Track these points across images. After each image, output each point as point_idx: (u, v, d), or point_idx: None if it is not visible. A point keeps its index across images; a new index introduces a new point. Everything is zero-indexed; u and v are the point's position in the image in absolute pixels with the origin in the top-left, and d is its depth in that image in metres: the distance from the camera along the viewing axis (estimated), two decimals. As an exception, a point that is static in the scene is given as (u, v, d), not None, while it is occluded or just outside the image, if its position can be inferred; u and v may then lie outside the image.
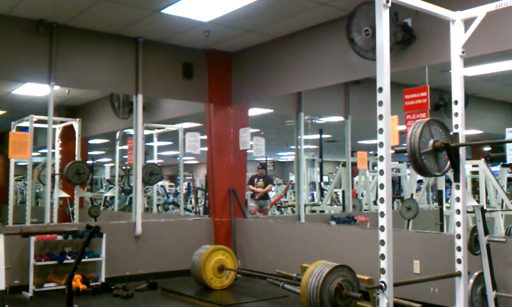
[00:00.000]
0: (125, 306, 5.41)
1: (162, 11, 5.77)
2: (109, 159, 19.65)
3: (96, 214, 9.05)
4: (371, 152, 12.34)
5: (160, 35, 6.74)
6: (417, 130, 3.22)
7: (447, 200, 7.97)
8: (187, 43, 7.07)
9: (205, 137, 7.73)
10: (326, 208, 9.74)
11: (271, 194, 16.12)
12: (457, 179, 3.53)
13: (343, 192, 9.39)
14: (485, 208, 5.17)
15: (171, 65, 7.13)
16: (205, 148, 7.80)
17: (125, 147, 8.77)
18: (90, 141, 12.43)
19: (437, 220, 6.87)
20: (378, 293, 2.95)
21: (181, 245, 6.87)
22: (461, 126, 3.54)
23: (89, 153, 12.97)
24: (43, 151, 11.11)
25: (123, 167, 12.17)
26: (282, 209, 12.57)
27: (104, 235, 6.11)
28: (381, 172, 2.97)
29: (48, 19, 6.07)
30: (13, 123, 8.45)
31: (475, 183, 8.89)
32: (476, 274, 3.85)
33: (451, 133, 3.50)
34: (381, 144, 2.97)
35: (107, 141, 14.10)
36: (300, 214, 7.80)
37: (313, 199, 12.81)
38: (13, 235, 4.53)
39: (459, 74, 3.57)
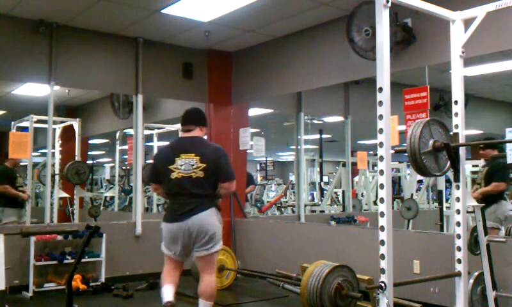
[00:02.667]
0: (125, 306, 5.41)
1: (162, 11, 5.77)
2: (109, 159, 19.64)
3: (96, 214, 9.06)
4: (371, 152, 12.34)
5: (160, 35, 6.74)
6: (417, 130, 3.22)
7: (447, 200, 7.97)
8: (187, 43, 7.07)
9: (205, 137, 7.71)
10: (326, 208, 9.74)
11: (271, 194, 16.14)
12: (457, 179, 3.52)
13: (343, 192, 9.39)
14: (485, 208, 5.15)
15: (171, 65, 7.13)
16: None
17: (125, 147, 8.78)
18: (90, 141, 12.43)
19: (437, 220, 6.86)
20: (378, 293, 2.94)
21: (181, 245, 6.86)
22: (461, 126, 3.53)
23: (89, 153, 12.97)
24: (43, 151, 11.12)
25: (123, 167, 12.18)
26: (282, 209, 12.57)
27: (104, 235, 6.10)
28: (381, 172, 2.97)
29: (48, 19, 6.07)
30: (13, 123, 8.45)
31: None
32: (476, 274, 3.85)
33: (451, 133, 3.50)
34: (381, 144, 2.97)
35: (107, 141, 14.10)
36: (300, 214, 7.80)
37: (313, 199, 12.82)
38: (13, 235, 4.53)
39: (459, 74, 3.57)
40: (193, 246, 3.92)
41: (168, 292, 3.96)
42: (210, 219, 3.90)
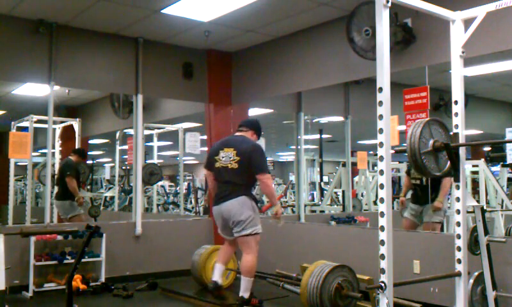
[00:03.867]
0: (125, 306, 5.41)
1: (162, 11, 5.77)
2: (109, 159, 19.64)
3: (96, 214, 9.03)
4: (371, 152, 12.32)
5: (160, 35, 6.74)
6: (417, 130, 3.22)
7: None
8: (187, 43, 7.07)
9: (205, 137, 7.73)
10: (326, 208, 9.73)
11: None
12: (457, 179, 3.52)
13: (343, 192, 9.38)
14: (485, 208, 5.16)
15: (171, 65, 7.13)
16: (205, 148, 7.79)
17: (125, 147, 8.78)
18: (90, 141, 12.43)
19: (437, 220, 6.85)
20: (378, 293, 2.94)
21: (181, 245, 6.87)
22: (461, 126, 3.53)
23: (89, 153, 12.96)
24: (43, 151, 11.12)
25: (123, 167, 12.18)
26: (282, 209, 12.53)
27: (104, 235, 6.11)
28: (381, 172, 2.97)
29: (48, 19, 6.07)
30: (13, 123, 8.45)
31: (475, 183, 8.88)
32: (476, 274, 3.85)
33: (451, 133, 3.50)
34: (381, 144, 2.97)
35: (107, 141, 14.11)
36: (300, 214, 7.80)
37: (313, 199, 12.80)
38: (13, 235, 4.53)
39: (459, 74, 3.57)
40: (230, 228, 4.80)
41: (216, 272, 4.95)
42: (238, 205, 4.68)
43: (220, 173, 4.82)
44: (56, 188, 7.51)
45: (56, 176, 7.53)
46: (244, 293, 4.80)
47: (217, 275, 4.98)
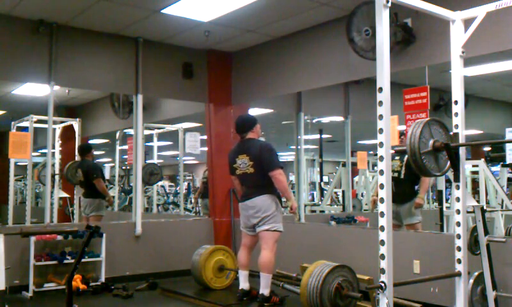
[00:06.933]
0: (125, 306, 5.41)
1: (162, 11, 5.77)
2: (109, 159, 19.64)
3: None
4: (371, 152, 12.32)
5: (160, 35, 6.74)
6: (417, 130, 3.22)
7: (447, 200, 7.96)
8: (187, 43, 7.07)
9: (205, 137, 7.72)
10: (326, 208, 9.74)
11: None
12: (457, 179, 3.52)
13: (343, 192, 9.39)
14: (485, 208, 5.16)
15: (171, 65, 7.13)
16: (205, 148, 7.79)
17: (125, 147, 8.78)
18: (90, 141, 12.41)
19: (437, 220, 6.86)
20: (378, 293, 2.94)
21: (181, 245, 6.87)
22: (461, 126, 3.53)
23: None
24: (43, 151, 11.12)
25: (123, 167, 12.19)
26: (282, 209, 12.53)
27: (104, 235, 6.10)
28: (381, 172, 2.97)
29: (48, 19, 6.07)
30: (13, 123, 8.45)
31: (475, 183, 8.88)
32: (476, 274, 3.85)
33: (451, 133, 3.50)
34: (381, 144, 2.97)
35: (107, 141, 14.10)
36: (300, 214, 7.79)
37: (313, 199, 12.80)
38: (13, 235, 4.53)
39: (459, 74, 3.57)
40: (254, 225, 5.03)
41: (242, 278, 5.14)
42: (260, 202, 4.96)
43: (243, 178, 5.13)
44: (82, 189, 7.67)
45: (79, 179, 7.56)
46: (264, 290, 4.91)
47: (242, 282, 5.15)
